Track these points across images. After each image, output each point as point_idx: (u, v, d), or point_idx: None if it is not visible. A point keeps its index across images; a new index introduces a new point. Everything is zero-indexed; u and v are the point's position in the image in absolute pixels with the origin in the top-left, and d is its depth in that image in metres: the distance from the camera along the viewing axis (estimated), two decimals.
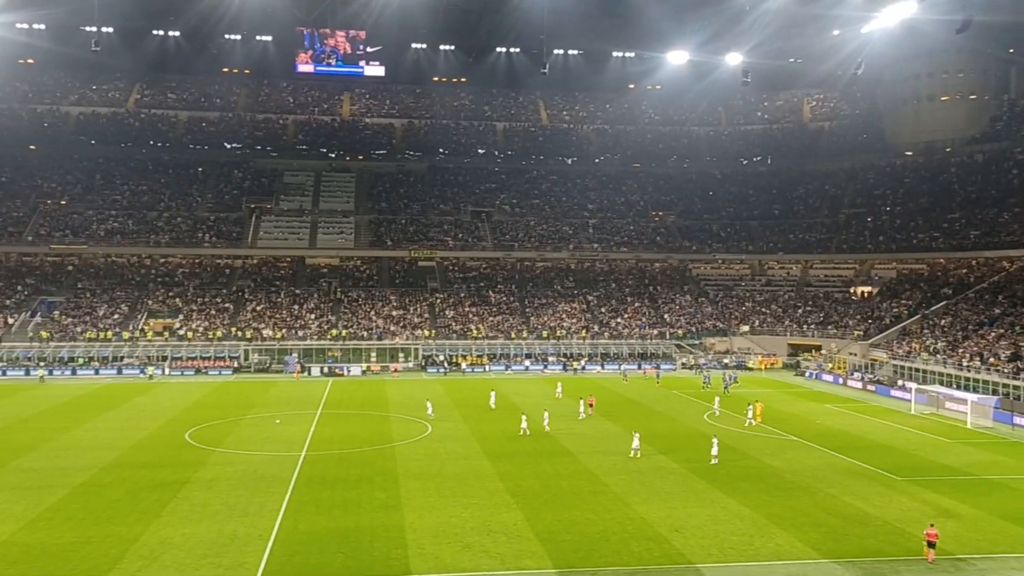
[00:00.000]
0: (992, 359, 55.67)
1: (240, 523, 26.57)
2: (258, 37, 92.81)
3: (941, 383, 54.73)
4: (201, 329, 72.74)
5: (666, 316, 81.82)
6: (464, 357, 71.67)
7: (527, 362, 71.98)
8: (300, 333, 73.45)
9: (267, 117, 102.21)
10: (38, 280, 77.94)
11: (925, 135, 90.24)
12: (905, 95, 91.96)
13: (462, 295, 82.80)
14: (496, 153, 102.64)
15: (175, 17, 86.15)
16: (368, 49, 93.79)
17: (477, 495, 30.13)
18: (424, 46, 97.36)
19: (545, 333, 76.93)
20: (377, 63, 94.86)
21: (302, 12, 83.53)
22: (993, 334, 60.01)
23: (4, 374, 64.43)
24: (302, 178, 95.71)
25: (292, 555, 23.80)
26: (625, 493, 30.56)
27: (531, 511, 28.13)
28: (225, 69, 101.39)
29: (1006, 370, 53.14)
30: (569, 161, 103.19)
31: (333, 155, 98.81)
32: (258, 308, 77.20)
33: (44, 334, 69.20)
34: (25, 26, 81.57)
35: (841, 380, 64.23)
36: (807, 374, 69.12)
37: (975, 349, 58.59)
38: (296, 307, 77.88)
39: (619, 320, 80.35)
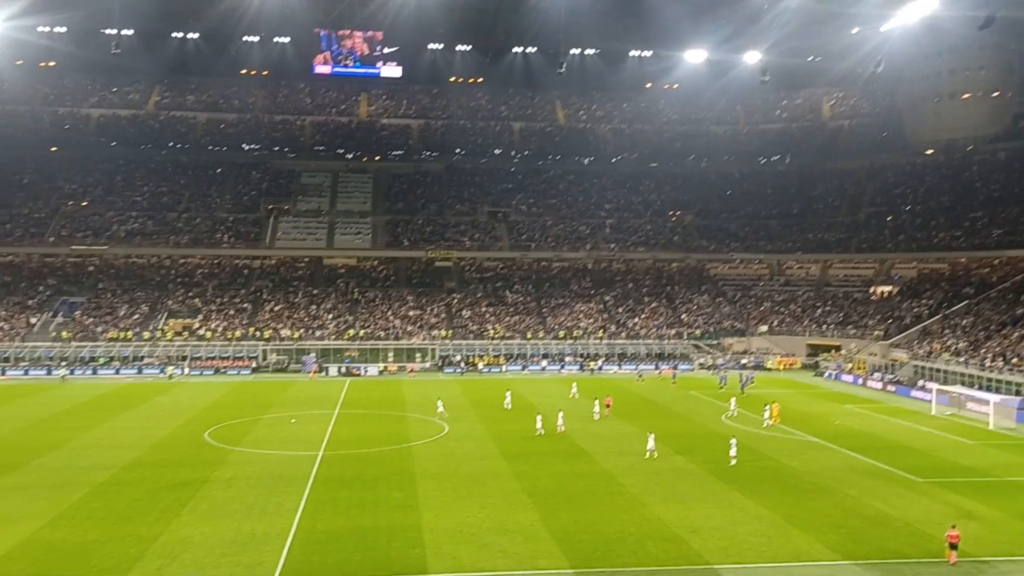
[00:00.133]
0: (1015, 359, 54.93)
1: (259, 522, 26.74)
2: (276, 39, 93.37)
3: (963, 384, 54.06)
4: (220, 329, 73.31)
5: (684, 316, 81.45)
6: (481, 357, 71.73)
7: (544, 362, 71.91)
8: (318, 333, 73.83)
9: (285, 118, 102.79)
10: (60, 280, 78.88)
11: (946, 133, 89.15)
12: (926, 93, 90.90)
13: (479, 295, 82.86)
14: (513, 153, 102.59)
15: (194, 19, 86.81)
16: (385, 50, 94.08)
17: (494, 495, 30.13)
18: (441, 46, 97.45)
19: (562, 333, 76.83)
20: (394, 64, 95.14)
21: (320, 13, 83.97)
22: (1016, 334, 59.23)
23: (26, 373, 65.30)
24: (319, 179, 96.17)
25: (310, 554, 23.92)
26: (642, 494, 30.45)
27: (547, 511, 28.10)
28: (243, 71, 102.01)
29: None
30: (586, 161, 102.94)
31: (350, 156, 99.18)
32: (276, 308, 77.69)
33: (65, 334, 70.04)
34: (46, 29, 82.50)
35: (861, 381, 63.64)
36: (826, 374, 68.56)
37: (998, 349, 57.87)
38: (314, 307, 78.29)
39: (636, 320, 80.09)
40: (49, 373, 65.14)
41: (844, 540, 25.37)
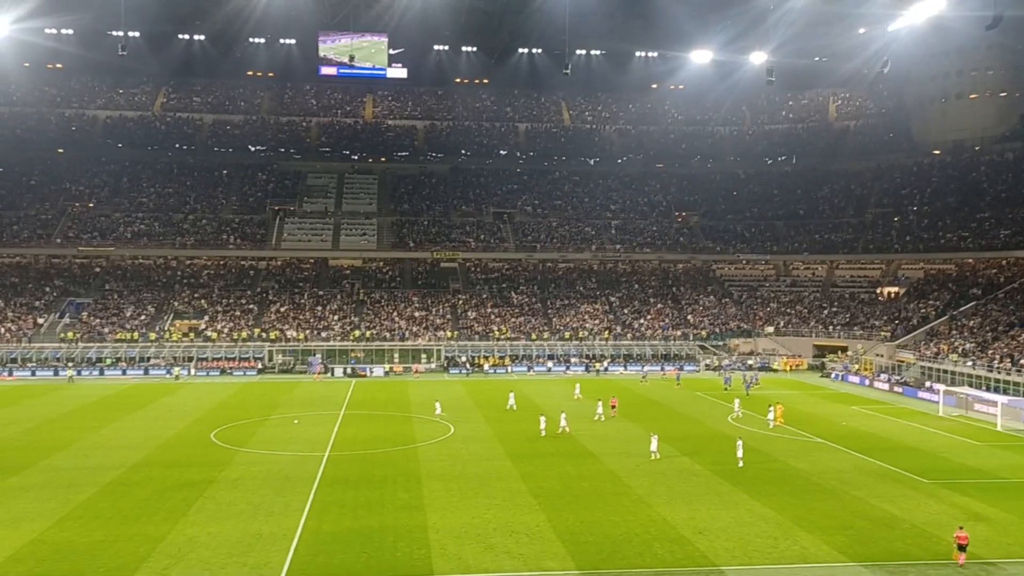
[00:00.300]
0: (1023, 360, 54.68)
1: (265, 522, 26.78)
2: (281, 40, 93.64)
3: (970, 385, 53.85)
4: (226, 330, 73.49)
5: (689, 317, 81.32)
6: (486, 358, 71.74)
7: (549, 363, 71.90)
8: (323, 334, 73.93)
9: (290, 120, 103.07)
10: (66, 282, 79.18)
11: (953, 133, 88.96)
12: (933, 93, 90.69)
13: (484, 296, 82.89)
14: (518, 154, 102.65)
15: (200, 21, 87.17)
16: (390, 51, 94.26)
17: (499, 496, 30.12)
18: (446, 48, 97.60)
19: (567, 334, 76.78)
20: (399, 65, 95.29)
21: (325, 15, 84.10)
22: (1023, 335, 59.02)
23: (33, 374, 65.53)
24: (325, 180, 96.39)
25: (316, 554, 23.94)
26: (648, 495, 30.40)
27: (553, 512, 28.07)
28: (249, 72, 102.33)
29: None
30: (591, 162, 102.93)
31: (356, 157, 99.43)
32: (282, 309, 77.83)
33: (72, 335, 70.28)
34: (53, 31, 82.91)
35: (867, 382, 63.44)
36: (833, 375, 68.35)
37: (1005, 350, 57.61)
38: (319, 308, 78.41)
39: (642, 321, 80.00)
40: (56, 374, 65.38)
41: (851, 542, 25.28)
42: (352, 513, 28.00)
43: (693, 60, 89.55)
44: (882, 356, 67.57)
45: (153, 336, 71.59)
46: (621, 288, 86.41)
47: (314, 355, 69.99)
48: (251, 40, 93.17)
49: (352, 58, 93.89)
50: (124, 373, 66.76)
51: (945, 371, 59.06)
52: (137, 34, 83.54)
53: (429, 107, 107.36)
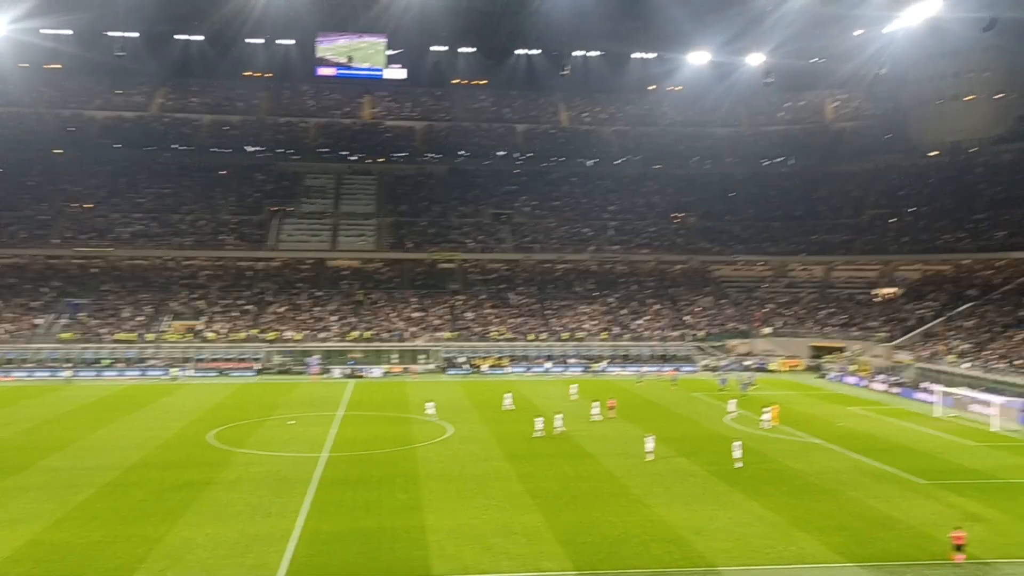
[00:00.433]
0: (1019, 361, 54.84)
1: (263, 523, 26.81)
2: (279, 41, 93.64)
3: (967, 386, 53.93)
4: (224, 331, 73.45)
5: (687, 318, 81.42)
6: (484, 359, 71.77)
7: (547, 364, 71.95)
8: (322, 335, 73.93)
9: (288, 120, 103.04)
10: (64, 282, 79.07)
11: (950, 135, 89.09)
12: (929, 95, 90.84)
13: (482, 297, 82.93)
14: (516, 155, 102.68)
15: (198, 22, 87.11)
16: (389, 52, 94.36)
17: (497, 497, 30.18)
18: (444, 48, 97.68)
19: (565, 335, 76.84)
20: (398, 66, 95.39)
21: (323, 16, 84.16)
22: (1020, 336, 59.12)
23: (31, 375, 65.41)
24: (323, 181, 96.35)
25: (314, 555, 23.97)
26: (645, 495, 30.47)
27: (551, 513, 28.13)
28: (247, 73, 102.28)
29: None
30: (589, 163, 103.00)
31: (354, 158, 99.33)
32: (280, 310, 77.81)
33: (68, 335, 70.21)
34: (51, 32, 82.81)
35: (864, 382, 63.55)
36: (830, 376, 68.48)
37: (1002, 351, 57.78)
38: (317, 309, 78.41)
39: (640, 322, 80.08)
40: (53, 375, 65.27)
41: (848, 542, 25.36)
42: (350, 514, 28.04)
43: (691, 62, 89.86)
44: (879, 357, 67.68)
45: (151, 337, 71.53)
46: (619, 289, 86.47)
47: (312, 356, 69.95)
48: (249, 41, 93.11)
49: (350, 59, 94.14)
50: (121, 374, 66.68)
51: (942, 372, 59.12)
52: (135, 35, 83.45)
53: (427, 108, 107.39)
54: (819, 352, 74.73)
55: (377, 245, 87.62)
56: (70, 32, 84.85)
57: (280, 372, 69.56)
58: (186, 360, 68.81)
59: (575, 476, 33.44)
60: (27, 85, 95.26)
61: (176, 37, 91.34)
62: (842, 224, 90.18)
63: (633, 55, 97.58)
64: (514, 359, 72.60)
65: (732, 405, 49.28)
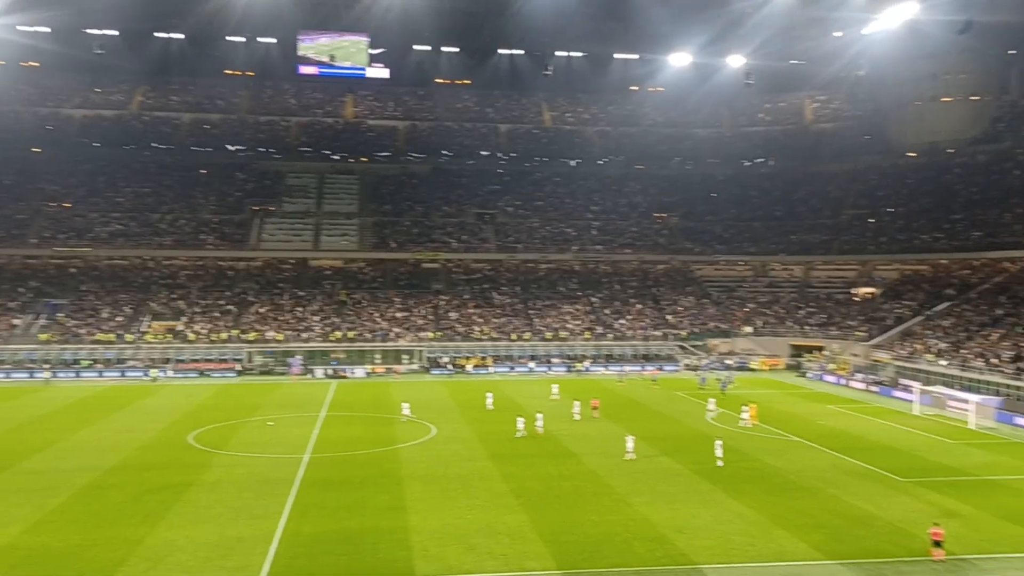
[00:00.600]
0: (995, 360, 55.63)
1: (244, 526, 26.67)
2: (260, 39, 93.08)
3: (944, 384, 54.66)
4: (204, 331, 72.91)
5: (669, 317, 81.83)
6: (468, 359, 71.76)
7: (531, 364, 72.06)
8: (304, 335, 73.59)
9: (270, 119, 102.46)
10: (42, 282, 78.15)
11: (927, 136, 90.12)
12: (907, 96, 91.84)
13: (466, 297, 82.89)
14: (499, 155, 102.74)
15: (178, 20, 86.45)
16: (371, 51, 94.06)
17: (481, 497, 30.21)
18: (427, 48, 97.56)
19: (549, 335, 76.98)
20: (380, 65, 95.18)
21: (305, 14, 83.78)
22: (996, 335, 59.97)
23: (8, 376, 64.59)
24: (305, 180, 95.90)
25: (296, 557, 23.89)
26: (628, 494, 30.62)
27: (535, 512, 28.21)
28: (228, 71, 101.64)
29: (1008, 371, 53.13)
30: (572, 163, 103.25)
31: (336, 157, 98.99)
32: (261, 310, 77.35)
33: (45, 336, 69.39)
34: (28, 29, 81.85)
35: (843, 381, 64.19)
36: (809, 375, 69.09)
37: (978, 350, 58.56)
38: (300, 309, 78.03)
39: (623, 322, 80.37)
40: (31, 376, 64.50)
41: (827, 539, 25.64)
42: (333, 515, 27.95)
43: (672, 63, 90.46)
44: (858, 356, 68.39)
45: (130, 337, 70.86)
46: (602, 288, 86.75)
47: (294, 356, 69.60)
48: (230, 39, 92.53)
49: (332, 57, 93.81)
50: (101, 375, 66.02)
51: (919, 370, 59.88)
52: (114, 33, 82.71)
53: (410, 107, 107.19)
54: (799, 351, 75.40)
55: (360, 245, 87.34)
56: (48, 30, 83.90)
57: (262, 373, 69.16)
58: (166, 361, 68.24)
59: (558, 476, 33.54)
60: (4, 83, 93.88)
61: (156, 35, 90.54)
62: (821, 224, 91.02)
63: (615, 56, 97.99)
64: (498, 359, 72.64)
65: (711, 404, 49.58)
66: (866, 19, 69.63)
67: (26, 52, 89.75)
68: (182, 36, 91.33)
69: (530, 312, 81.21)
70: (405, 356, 72.63)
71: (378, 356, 72.04)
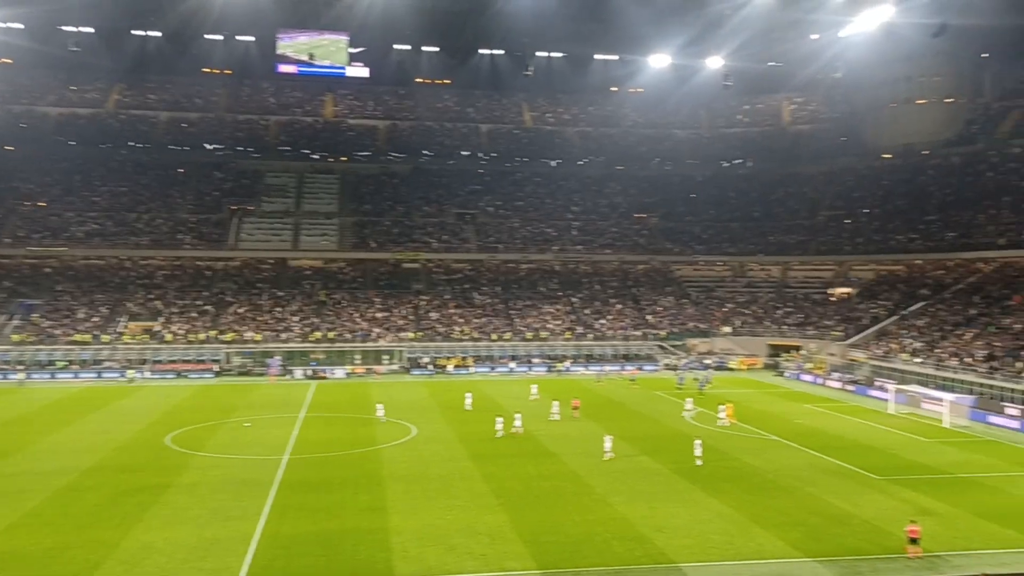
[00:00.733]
0: (969, 359, 56.45)
1: (222, 527, 26.48)
2: (239, 37, 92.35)
3: (919, 383, 55.39)
4: (182, 332, 72.24)
5: (649, 317, 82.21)
6: (449, 359, 71.67)
7: (512, 364, 72.12)
8: (283, 336, 73.13)
9: (248, 118, 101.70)
10: (16, 283, 77.02)
11: (902, 138, 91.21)
12: (883, 98, 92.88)
13: (446, 297, 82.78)
14: (480, 155, 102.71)
15: (155, 17, 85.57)
16: (351, 50, 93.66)
17: (461, 497, 30.21)
18: (408, 47, 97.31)
19: (529, 335, 77.07)
20: (360, 64, 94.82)
21: (285, 13, 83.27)
22: (969, 334, 60.86)
23: None
24: (284, 179, 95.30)
25: (275, 559, 23.76)
26: (608, 494, 30.75)
27: (515, 512, 28.25)
28: (206, 69, 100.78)
29: (982, 370, 53.95)
30: (553, 163, 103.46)
31: (316, 156, 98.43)
32: (240, 310, 76.76)
33: (21, 337, 68.41)
34: (1, 25, 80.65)
35: (820, 380, 64.85)
36: (787, 374, 69.73)
37: (952, 349, 59.39)
38: (279, 309, 77.53)
39: (603, 322, 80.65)
40: (5, 377, 63.53)
41: (805, 537, 25.91)
42: (312, 516, 27.82)
43: (652, 64, 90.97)
44: (834, 355, 69.11)
45: (106, 338, 70.04)
46: (582, 289, 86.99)
47: (273, 357, 69.15)
48: (208, 37, 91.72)
49: (312, 56, 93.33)
50: (76, 376, 65.20)
51: (895, 370, 60.66)
52: (90, 30, 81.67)
53: (391, 107, 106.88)
54: (777, 351, 76.07)
55: (340, 245, 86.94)
56: (21, 26, 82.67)
57: (240, 374, 68.64)
58: (143, 362, 67.51)
59: (539, 476, 33.61)
60: None
61: (132, 32, 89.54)
62: (798, 225, 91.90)
63: (595, 57, 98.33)
64: (479, 359, 72.63)
65: (689, 404, 49.86)
66: (843, 22, 70.44)
67: None
68: (159, 34, 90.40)
69: (511, 312, 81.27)
70: (385, 356, 72.41)
71: (358, 357, 71.74)
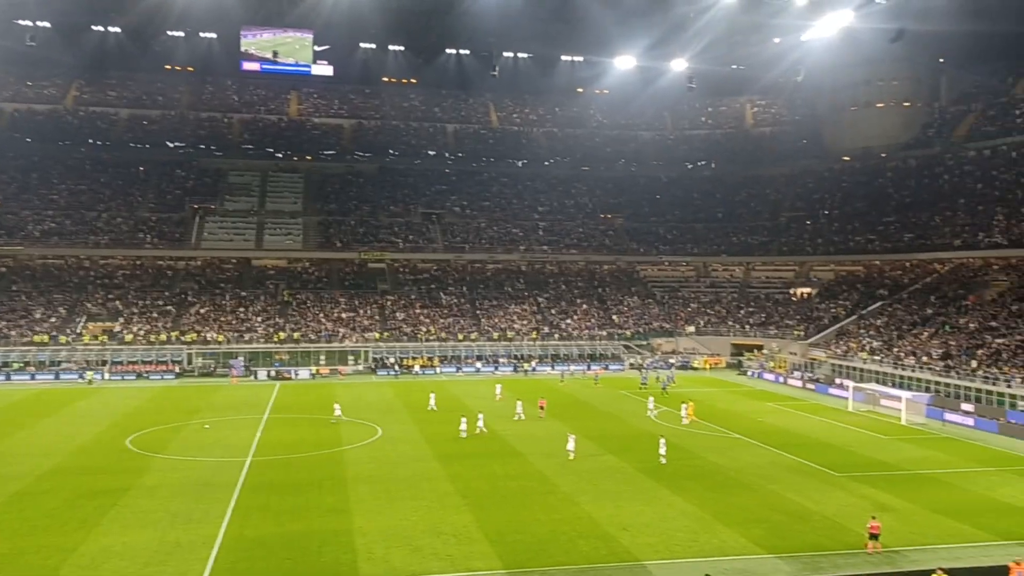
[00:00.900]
0: (925, 358, 57.76)
1: (184, 530, 26.10)
2: (202, 34, 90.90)
3: (877, 381, 56.53)
4: (143, 332, 70.98)
5: (615, 317, 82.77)
6: (415, 359, 71.41)
7: (478, 364, 72.09)
8: (246, 336, 72.23)
9: (211, 116, 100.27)
10: None
11: (862, 141, 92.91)
12: (844, 102, 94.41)
13: (413, 297, 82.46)
14: (447, 155, 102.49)
15: (116, 13, 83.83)
16: (316, 48, 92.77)
17: (427, 497, 30.14)
18: (373, 46, 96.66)
19: (496, 335, 77.11)
20: (325, 62, 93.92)
21: (248, 10, 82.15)
22: (926, 333, 62.25)
23: None
24: (248, 178, 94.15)
25: (237, 562, 23.50)
26: (574, 493, 30.91)
27: (481, 512, 28.27)
28: (168, 66, 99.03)
29: (938, 368, 55.24)
30: (519, 163, 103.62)
31: (280, 155, 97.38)
32: (202, 311, 75.65)
33: None
34: None
35: (782, 379, 65.88)
36: (749, 373, 70.70)
37: (909, 348, 60.69)
38: (242, 310, 76.55)
39: (569, 321, 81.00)
40: None
41: (767, 534, 26.31)
42: (276, 518, 27.55)
43: (617, 66, 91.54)
44: (795, 354, 70.25)
45: (64, 339, 68.55)
46: (548, 289, 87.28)
47: (236, 358, 68.28)
48: (170, 33, 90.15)
49: (276, 54, 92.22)
50: (33, 378, 63.70)
51: (854, 368, 61.84)
52: (47, 24, 79.72)
53: (356, 106, 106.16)
54: (740, 350, 77.09)
55: (304, 244, 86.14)
56: None
57: (202, 375, 67.66)
58: (103, 363, 66.18)
59: (504, 475, 33.66)
60: None
61: (92, 28, 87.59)
62: (761, 226, 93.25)
63: (562, 57, 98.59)
64: (445, 359, 72.48)
65: (651, 403, 50.25)
66: (804, 26, 71.52)
67: None
68: (119, 30, 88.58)
69: (477, 312, 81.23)
70: (351, 357, 71.92)
71: (323, 357, 71.16)
